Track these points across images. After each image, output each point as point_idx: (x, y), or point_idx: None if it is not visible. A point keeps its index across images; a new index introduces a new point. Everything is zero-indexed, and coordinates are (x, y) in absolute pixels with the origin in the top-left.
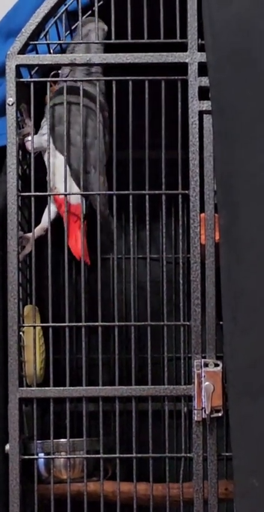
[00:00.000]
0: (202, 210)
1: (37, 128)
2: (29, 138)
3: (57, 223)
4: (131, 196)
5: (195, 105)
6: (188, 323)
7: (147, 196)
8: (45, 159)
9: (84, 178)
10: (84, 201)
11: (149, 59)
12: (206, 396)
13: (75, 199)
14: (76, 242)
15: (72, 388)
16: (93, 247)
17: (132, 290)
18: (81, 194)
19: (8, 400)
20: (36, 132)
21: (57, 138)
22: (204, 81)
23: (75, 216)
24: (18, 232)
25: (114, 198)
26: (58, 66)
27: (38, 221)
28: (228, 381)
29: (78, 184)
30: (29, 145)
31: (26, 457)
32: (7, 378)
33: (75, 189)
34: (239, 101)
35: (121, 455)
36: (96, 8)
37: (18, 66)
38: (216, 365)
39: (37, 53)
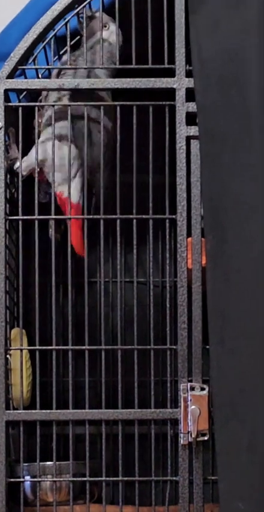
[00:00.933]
0: (189, 234)
1: (24, 152)
2: (18, 163)
3: (44, 246)
4: (118, 221)
5: (183, 130)
6: (174, 347)
7: (134, 221)
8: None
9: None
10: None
11: (137, 84)
12: (192, 420)
13: (77, 198)
14: (77, 240)
15: (58, 411)
16: (81, 271)
17: (119, 313)
18: (66, 218)
19: None
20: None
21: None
22: (192, 106)
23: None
24: (5, 256)
25: (102, 222)
26: (47, 91)
27: (25, 245)
28: (215, 405)
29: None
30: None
31: (13, 479)
32: None
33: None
34: (226, 126)
35: (107, 479)
36: (84, 33)
37: (6, 91)
38: (203, 389)
39: (25, 77)
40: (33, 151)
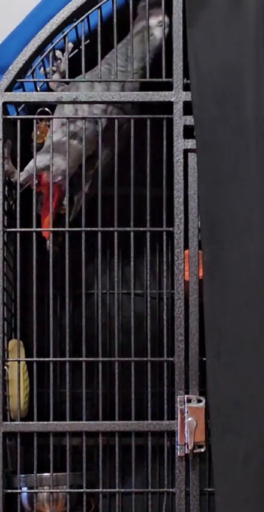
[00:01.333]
0: (186, 247)
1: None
2: (15, 176)
3: (42, 258)
4: (116, 233)
5: (180, 143)
6: (171, 359)
7: (132, 233)
8: None
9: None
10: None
11: (135, 97)
12: (188, 432)
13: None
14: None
15: (56, 422)
16: (78, 283)
17: (117, 325)
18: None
19: None
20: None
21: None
22: (189, 119)
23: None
24: (3, 268)
25: (99, 234)
26: (45, 103)
27: (23, 256)
28: (211, 417)
29: None
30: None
31: (10, 491)
32: None
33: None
34: (223, 140)
35: (104, 490)
36: (82, 47)
37: (5, 104)
38: (199, 401)
39: (24, 90)
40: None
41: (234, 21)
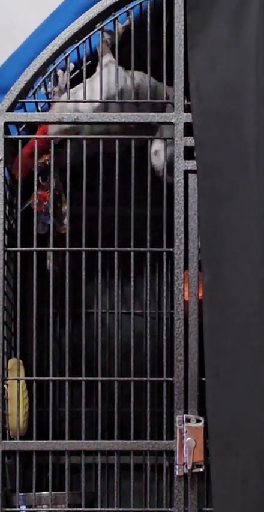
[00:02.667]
0: (186, 267)
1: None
2: None
3: (42, 277)
4: (116, 253)
5: (181, 164)
6: (170, 379)
7: (132, 253)
8: None
9: None
10: None
11: (136, 118)
12: (187, 451)
13: None
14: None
15: (55, 441)
16: (78, 302)
17: (116, 345)
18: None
19: None
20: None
21: None
22: (190, 141)
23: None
24: (4, 287)
25: (100, 254)
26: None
27: (23, 275)
28: (210, 437)
29: None
30: None
31: (8, 509)
32: None
33: None
34: (223, 161)
35: (103, 509)
36: (84, 68)
37: (6, 124)
38: (198, 421)
39: (25, 110)
40: None
41: (234, 42)
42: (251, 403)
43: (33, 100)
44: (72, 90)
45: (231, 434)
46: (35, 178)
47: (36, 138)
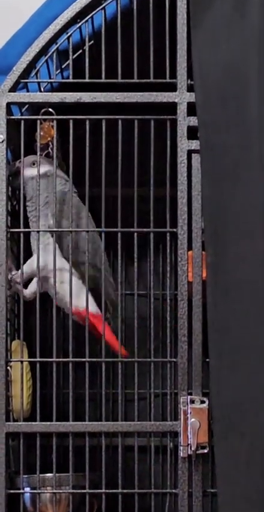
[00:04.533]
0: (190, 247)
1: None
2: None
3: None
4: (119, 234)
5: (184, 144)
6: (174, 360)
7: (135, 234)
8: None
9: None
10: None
11: (139, 98)
12: (192, 432)
13: (94, 308)
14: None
15: (58, 423)
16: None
17: (120, 326)
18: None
19: None
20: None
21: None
22: (193, 120)
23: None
24: (7, 267)
25: (103, 235)
26: (49, 104)
27: (26, 256)
28: (214, 418)
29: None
30: None
31: (12, 491)
32: None
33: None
34: (226, 141)
35: (107, 491)
36: (86, 47)
37: (8, 104)
38: (203, 402)
39: (28, 90)
40: (33, 259)
41: (238, 22)
42: (255, 384)
43: (36, 80)
44: None
45: (235, 415)
46: (38, 159)
47: (39, 119)
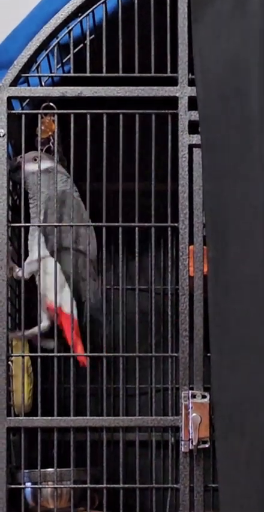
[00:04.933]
0: (191, 242)
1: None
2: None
3: None
4: (120, 228)
5: (185, 138)
6: (176, 354)
7: (136, 228)
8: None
9: (80, 286)
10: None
11: (140, 92)
12: (193, 427)
13: (68, 309)
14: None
15: (60, 418)
16: None
17: (121, 321)
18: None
19: None
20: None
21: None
22: (194, 115)
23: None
24: (8, 262)
25: (104, 229)
26: (49, 98)
27: (27, 251)
28: (215, 414)
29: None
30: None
31: (13, 486)
32: None
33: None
34: (227, 136)
35: (108, 486)
36: (87, 42)
37: (9, 98)
38: (204, 396)
39: (29, 85)
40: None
41: (239, 17)
42: (255, 381)
43: (37, 74)
44: None
45: (235, 412)
46: (39, 154)
47: (40, 113)
